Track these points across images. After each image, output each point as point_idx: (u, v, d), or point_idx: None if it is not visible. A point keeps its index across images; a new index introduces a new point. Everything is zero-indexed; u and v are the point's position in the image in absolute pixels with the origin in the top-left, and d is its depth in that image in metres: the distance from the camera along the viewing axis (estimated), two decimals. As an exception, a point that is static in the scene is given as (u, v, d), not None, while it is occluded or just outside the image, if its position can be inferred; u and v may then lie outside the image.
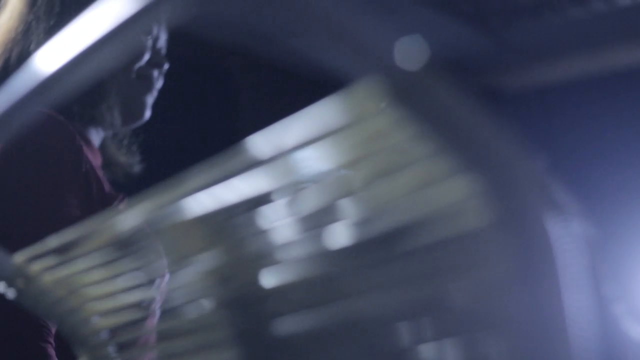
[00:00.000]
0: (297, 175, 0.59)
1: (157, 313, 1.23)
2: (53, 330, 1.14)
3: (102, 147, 1.41)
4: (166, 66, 1.39)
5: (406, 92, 0.45)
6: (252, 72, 3.47)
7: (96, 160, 1.32)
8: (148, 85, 1.37)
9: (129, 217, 0.65)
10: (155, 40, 1.37)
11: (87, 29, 0.50)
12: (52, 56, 0.53)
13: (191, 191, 0.63)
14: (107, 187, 1.28)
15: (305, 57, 0.46)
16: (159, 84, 1.39)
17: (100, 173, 1.29)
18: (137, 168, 1.46)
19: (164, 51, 1.39)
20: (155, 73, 1.37)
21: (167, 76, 1.41)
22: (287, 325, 0.65)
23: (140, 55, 1.34)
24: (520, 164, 0.46)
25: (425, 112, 0.45)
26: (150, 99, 1.38)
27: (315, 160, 0.56)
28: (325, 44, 0.45)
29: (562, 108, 4.09)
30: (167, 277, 0.66)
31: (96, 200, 1.22)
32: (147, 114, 1.39)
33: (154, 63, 1.37)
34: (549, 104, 4.15)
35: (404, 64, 0.45)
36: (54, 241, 0.71)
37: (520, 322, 0.49)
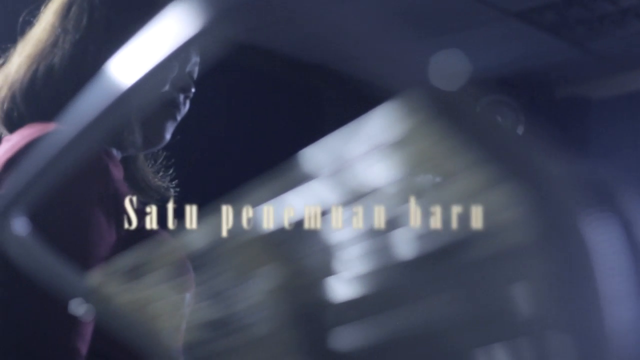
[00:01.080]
0: (353, 189, 0.60)
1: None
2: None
3: (134, 169, 1.43)
4: (192, 91, 1.37)
5: (445, 109, 0.46)
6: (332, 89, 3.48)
7: (119, 174, 1.34)
8: (171, 111, 1.36)
9: (194, 235, 0.67)
10: (184, 63, 1.36)
11: (135, 56, 0.52)
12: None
13: (255, 204, 0.64)
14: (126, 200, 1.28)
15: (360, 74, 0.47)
16: (184, 109, 1.38)
17: (124, 187, 1.31)
18: (170, 192, 1.48)
19: (193, 75, 1.38)
20: (181, 98, 1.36)
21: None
22: (351, 338, 0.66)
23: (165, 79, 1.33)
24: (562, 175, 0.47)
25: (464, 128, 0.46)
26: (171, 125, 1.37)
27: (368, 174, 0.58)
28: (371, 61, 0.47)
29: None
30: (229, 294, 0.67)
31: (121, 216, 1.24)
32: (166, 138, 1.38)
33: (179, 88, 1.36)
34: (635, 111, 4.08)
35: (442, 81, 0.46)
36: (125, 261, 0.74)
37: (569, 336, 0.49)
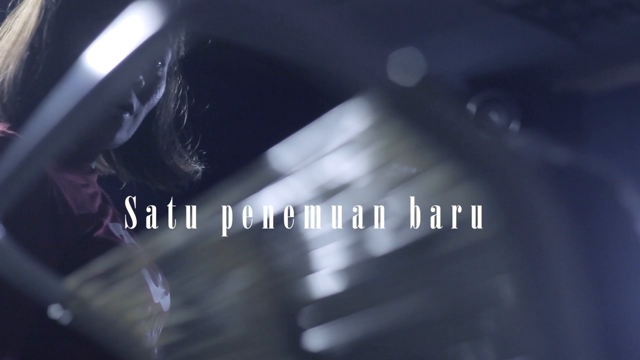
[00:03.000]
0: (322, 185, 0.60)
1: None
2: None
3: (161, 157, 1.44)
4: (133, 109, 1.34)
5: (404, 105, 0.46)
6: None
7: (78, 179, 1.33)
8: (113, 125, 1.33)
9: (167, 237, 0.67)
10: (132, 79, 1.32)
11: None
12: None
13: (225, 206, 0.64)
14: (81, 206, 1.28)
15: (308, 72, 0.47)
16: (131, 122, 1.35)
17: (79, 193, 1.30)
18: (198, 176, 1.47)
19: (135, 91, 1.35)
20: (123, 114, 1.33)
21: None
22: (327, 337, 0.66)
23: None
24: (521, 169, 0.47)
25: (423, 124, 0.46)
26: (118, 135, 1.34)
27: (336, 171, 0.58)
28: (324, 60, 0.46)
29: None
30: (204, 296, 0.67)
31: (65, 221, 1.23)
32: (118, 143, 1.36)
33: (118, 104, 1.33)
34: (630, 105, 4.08)
35: (400, 77, 0.46)
36: (100, 265, 0.73)
37: (538, 329, 0.49)
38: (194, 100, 1.50)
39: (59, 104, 0.54)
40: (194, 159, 1.48)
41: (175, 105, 1.47)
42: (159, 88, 1.37)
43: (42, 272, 0.77)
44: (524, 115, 3.94)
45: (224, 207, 0.64)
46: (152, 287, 1.25)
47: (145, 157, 1.46)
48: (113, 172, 1.50)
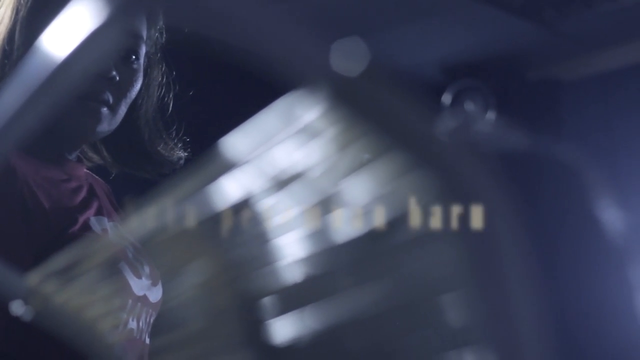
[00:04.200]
0: (275, 175, 0.60)
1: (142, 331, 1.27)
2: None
3: (144, 146, 1.45)
4: (113, 75, 1.35)
5: (347, 95, 0.46)
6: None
7: (58, 175, 1.34)
8: (92, 119, 1.35)
9: (119, 235, 0.67)
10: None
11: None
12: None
13: (178, 199, 0.64)
14: (56, 202, 1.29)
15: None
16: (110, 115, 1.36)
17: (57, 189, 1.31)
18: (181, 162, 1.49)
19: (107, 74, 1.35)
20: (100, 108, 1.35)
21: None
22: (287, 329, 0.66)
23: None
24: (467, 158, 0.47)
25: (367, 113, 0.46)
26: (99, 128, 1.36)
27: (285, 162, 0.58)
28: (264, 49, 0.46)
29: (621, 96, 4.04)
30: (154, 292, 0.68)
31: (37, 218, 1.24)
32: (100, 136, 1.38)
33: (94, 98, 1.34)
34: (606, 92, 4.10)
35: (343, 68, 0.46)
36: (59, 262, 0.73)
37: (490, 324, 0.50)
38: (177, 87, 1.51)
39: (13, 92, 0.54)
40: (179, 145, 1.50)
41: (159, 92, 1.49)
42: (135, 81, 1.39)
43: (2, 268, 0.77)
44: (500, 104, 3.94)
45: (179, 200, 0.64)
46: (133, 279, 1.26)
47: (129, 146, 1.47)
48: (102, 162, 1.51)
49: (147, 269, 1.29)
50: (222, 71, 3.39)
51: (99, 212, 1.34)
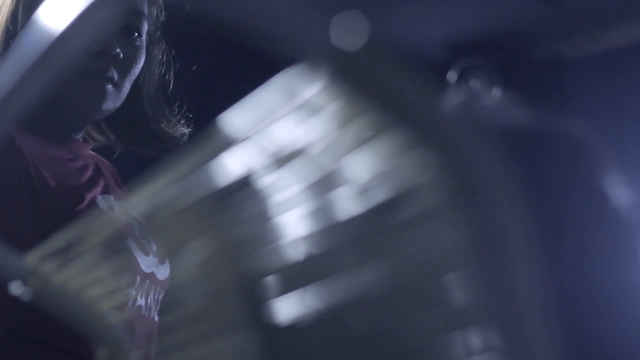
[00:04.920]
0: (276, 151, 0.59)
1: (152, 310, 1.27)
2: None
3: (148, 123, 1.46)
4: (116, 52, 1.36)
5: (347, 70, 0.45)
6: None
7: (63, 154, 1.35)
8: (98, 97, 1.36)
9: (121, 213, 0.66)
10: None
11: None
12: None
13: (178, 177, 0.63)
14: (63, 180, 1.29)
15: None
16: (114, 93, 1.37)
17: (63, 168, 1.31)
18: (185, 138, 1.50)
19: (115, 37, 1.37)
20: (106, 85, 1.36)
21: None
22: (286, 307, 0.65)
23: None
24: (469, 134, 0.46)
25: (367, 89, 0.45)
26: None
27: (286, 138, 0.57)
28: (264, 24, 0.45)
29: (626, 74, 4.02)
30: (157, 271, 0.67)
31: (44, 196, 1.24)
32: (105, 113, 1.39)
33: (99, 76, 1.35)
34: (611, 69, 4.07)
35: (343, 42, 0.45)
36: (60, 240, 0.72)
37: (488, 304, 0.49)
38: (177, 65, 1.52)
39: (12, 66, 0.53)
40: (181, 122, 1.51)
41: (160, 70, 1.50)
42: (139, 58, 1.40)
43: (2, 248, 0.77)
44: (506, 81, 3.93)
45: (179, 178, 0.63)
46: (140, 256, 1.27)
47: (133, 124, 1.49)
48: (107, 142, 1.52)
49: (154, 247, 1.30)
50: (221, 47, 3.38)
51: (105, 191, 1.35)
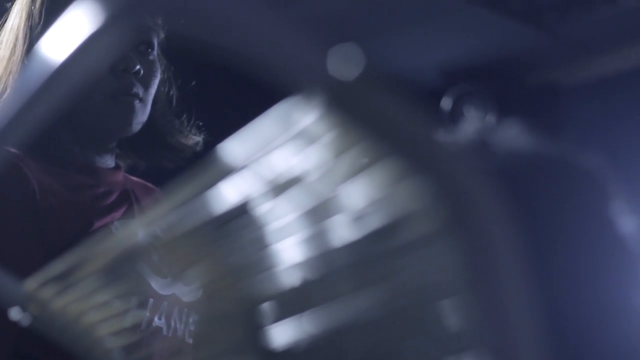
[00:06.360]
0: (273, 180, 0.60)
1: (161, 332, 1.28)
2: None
3: (164, 137, 1.50)
4: (137, 68, 1.39)
5: (343, 100, 0.46)
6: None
7: (85, 180, 1.37)
8: (129, 113, 1.40)
9: (124, 237, 0.67)
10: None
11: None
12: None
13: (179, 204, 0.64)
14: (67, 207, 1.31)
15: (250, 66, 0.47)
16: (142, 108, 1.41)
17: (70, 194, 1.33)
18: (199, 146, 1.54)
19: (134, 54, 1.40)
20: (134, 101, 1.39)
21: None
22: (284, 333, 0.66)
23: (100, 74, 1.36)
24: (461, 164, 0.47)
25: (362, 119, 0.46)
26: (135, 122, 1.40)
27: (283, 166, 0.58)
28: (261, 54, 0.46)
29: (620, 100, 4.04)
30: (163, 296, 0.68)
31: (47, 220, 1.25)
32: (135, 129, 1.42)
33: (127, 93, 1.39)
34: (606, 96, 4.10)
35: (339, 73, 0.46)
36: (61, 266, 0.73)
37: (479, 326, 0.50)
38: (179, 81, 1.57)
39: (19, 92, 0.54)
40: (193, 131, 1.55)
41: (164, 87, 1.54)
42: (156, 71, 1.45)
43: (2, 274, 0.77)
44: (500, 108, 3.94)
45: (178, 204, 0.64)
46: (154, 278, 1.27)
47: (150, 140, 1.52)
48: (132, 162, 1.56)
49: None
50: (219, 76, 3.40)
51: (127, 216, 1.35)
